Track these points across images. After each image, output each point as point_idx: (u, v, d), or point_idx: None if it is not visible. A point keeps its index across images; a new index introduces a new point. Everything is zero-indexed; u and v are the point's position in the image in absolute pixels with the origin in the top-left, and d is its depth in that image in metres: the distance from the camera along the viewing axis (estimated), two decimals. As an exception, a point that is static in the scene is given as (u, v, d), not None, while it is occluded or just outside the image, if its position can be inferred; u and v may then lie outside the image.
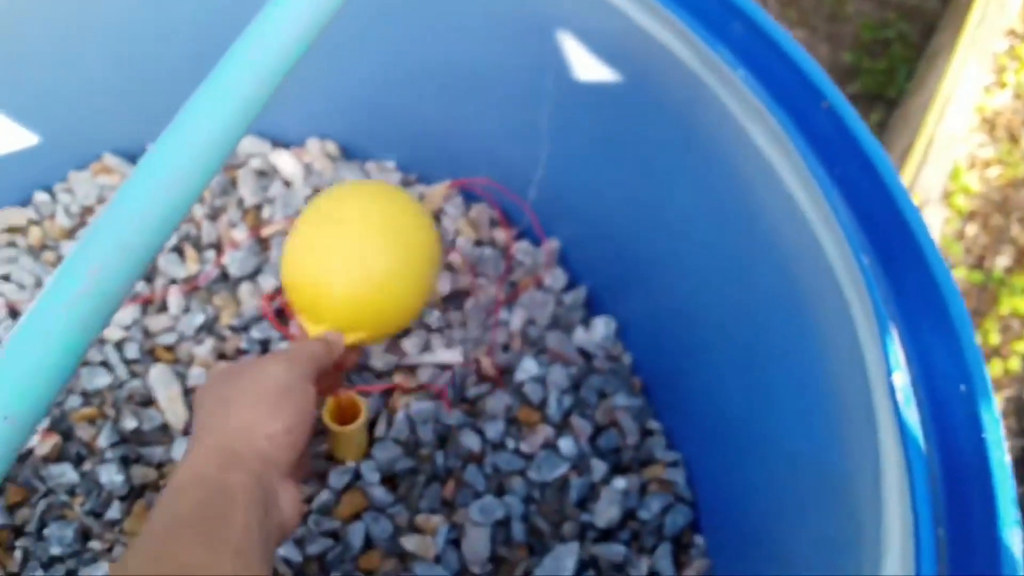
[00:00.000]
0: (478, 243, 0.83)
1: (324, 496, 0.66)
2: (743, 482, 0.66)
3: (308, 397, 0.46)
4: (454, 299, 0.80)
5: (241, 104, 0.32)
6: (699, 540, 0.70)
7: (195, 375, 0.71)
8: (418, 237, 0.56)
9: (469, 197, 0.85)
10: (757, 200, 0.51)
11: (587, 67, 0.62)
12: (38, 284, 0.74)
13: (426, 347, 0.76)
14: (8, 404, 0.30)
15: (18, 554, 0.62)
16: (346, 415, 0.66)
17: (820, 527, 0.52)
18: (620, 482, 0.71)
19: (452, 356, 0.75)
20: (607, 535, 0.69)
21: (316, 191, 0.84)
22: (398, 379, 0.74)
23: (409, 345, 0.76)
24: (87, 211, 0.80)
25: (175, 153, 0.34)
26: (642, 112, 0.61)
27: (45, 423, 0.66)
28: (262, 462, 0.42)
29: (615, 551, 0.67)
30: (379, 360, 0.74)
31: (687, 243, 0.66)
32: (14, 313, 0.72)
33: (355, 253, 0.53)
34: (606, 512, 0.69)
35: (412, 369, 0.75)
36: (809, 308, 0.51)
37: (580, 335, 0.80)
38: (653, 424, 0.76)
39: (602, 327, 0.79)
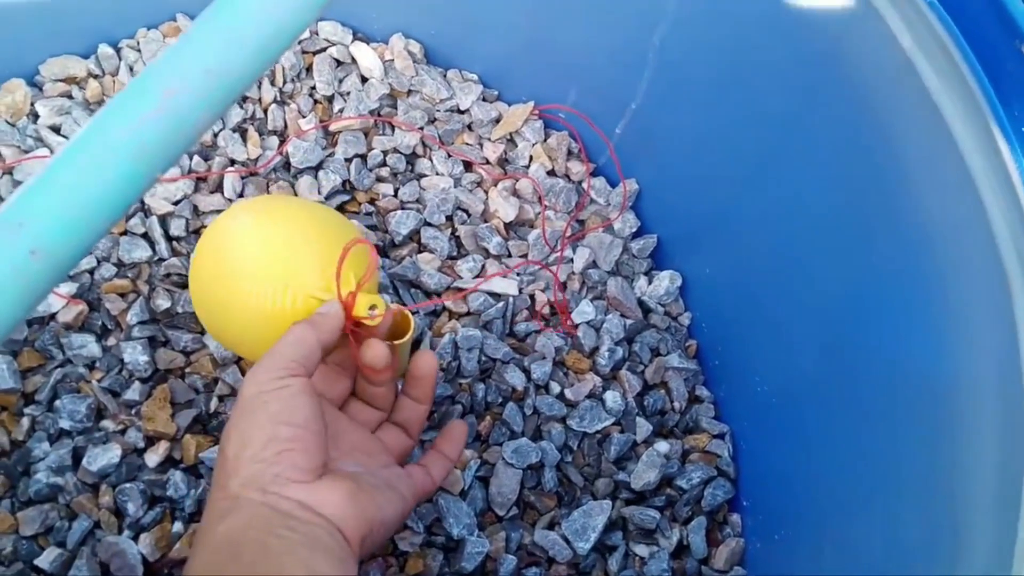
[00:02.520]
0: (551, 173, 0.78)
1: (355, 409, 0.63)
2: (798, 469, 0.62)
3: (291, 392, 0.41)
4: (518, 227, 0.76)
5: None
6: (735, 519, 0.67)
7: (239, 263, 0.67)
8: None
9: (549, 124, 0.80)
10: (906, 159, 0.45)
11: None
12: (90, 142, 0.70)
13: (481, 272, 0.72)
14: (39, 235, 0.25)
15: (25, 422, 0.59)
16: (392, 329, 0.62)
17: (895, 531, 0.48)
18: (663, 446, 0.67)
19: (507, 286, 0.71)
20: (641, 498, 0.66)
21: (392, 91, 0.78)
22: (447, 302, 0.70)
23: (464, 268, 0.71)
24: (150, 74, 0.76)
25: None
26: (774, 42, 0.54)
27: (72, 288, 0.63)
28: (260, 490, 0.39)
29: (648, 516, 0.63)
30: (431, 279, 0.70)
31: (788, 203, 0.60)
32: (62, 168, 0.69)
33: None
34: (644, 474, 0.65)
35: (464, 293, 0.71)
36: (942, 298, 0.45)
37: (642, 286, 0.75)
38: (703, 392, 0.72)
39: (667, 281, 0.74)
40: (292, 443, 0.40)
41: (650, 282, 0.75)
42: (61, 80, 0.73)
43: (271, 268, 0.47)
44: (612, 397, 0.68)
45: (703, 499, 0.66)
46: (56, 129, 0.70)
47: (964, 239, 0.43)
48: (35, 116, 0.71)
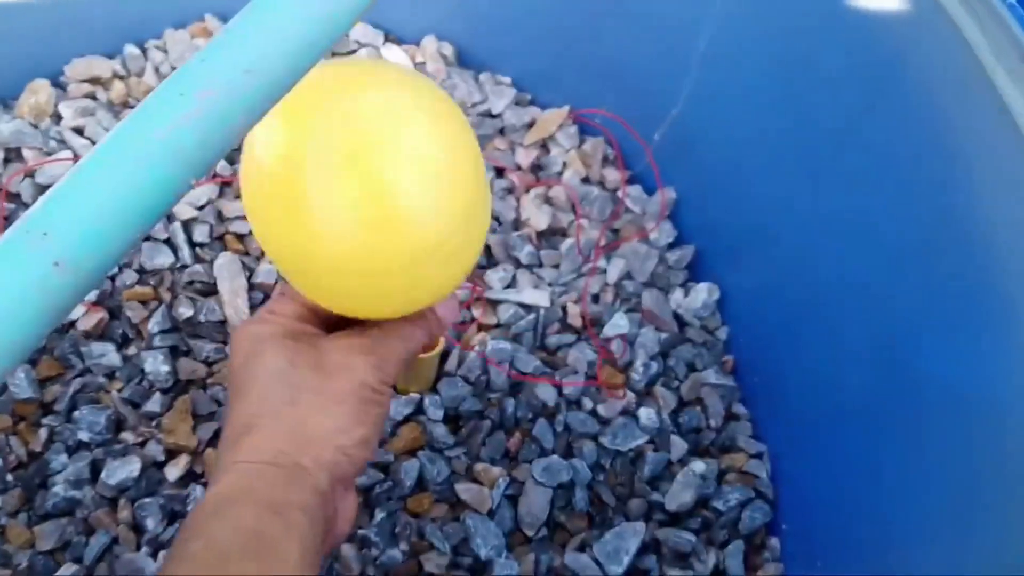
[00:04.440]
0: (586, 180, 0.76)
1: (381, 424, 0.61)
2: (842, 493, 0.59)
3: (389, 401, 0.38)
4: (550, 236, 0.73)
5: None
6: (774, 543, 0.64)
7: (264, 271, 0.66)
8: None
9: (584, 129, 0.77)
10: (975, 172, 0.42)
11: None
12: (114, 144, 0.69)
13: (512, 283, 0.70)
14: (65, 245, 0.22)
15: (43, 432, 0.58)
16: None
17: (961, 568, 0.45)
18: (699, 465, 0.64)
19: (538, 297, 0.69)
20: (676, 520, 0.63)
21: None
22: (477, 313, 0.68)
23: (495, 279, 0.69)
24: (177, 74, 0.75)
25: None
26: (831, 45, 0.51)
27: (91, 295, 0.61)
28: (330, 479, 0.34)
29: (683, 539, 0.61)
30: (460, 290, 0.68)
31: (839, 217, 0.57)
32: (86, 171, 0.68)
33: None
34: (679, 495, 0.62)
35: (493, 305, 0.68)
36: (1009, 320, 0.42)
37: (678, 298, 0.72)
38: (740, 409, 0.69)
39: (704, 294, 0.72)
40: (373, 452, 0.37)
41: (686, 294, 0.73)
42: (86, 81, 0.72)
43: (458, 207, 0.34)
44: (646, 414, 0.65)
45: (740, 522, 0.63)
46: (79, 131, 0.69)
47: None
48: (58, 117, 0.70)
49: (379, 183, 0.31)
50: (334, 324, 0.38)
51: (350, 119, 0.31)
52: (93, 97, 0.72)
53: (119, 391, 0.60)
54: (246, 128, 0.26)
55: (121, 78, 0.73)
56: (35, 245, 0.22)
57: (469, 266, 0.37)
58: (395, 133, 0.31)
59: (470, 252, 0.37)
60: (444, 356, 0.65)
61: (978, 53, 0.38)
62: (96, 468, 0.57)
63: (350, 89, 0.32)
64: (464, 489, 0.60)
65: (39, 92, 0.69)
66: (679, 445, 0.65)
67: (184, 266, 0.65)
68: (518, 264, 0.71)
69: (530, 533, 0.60)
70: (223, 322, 0.64)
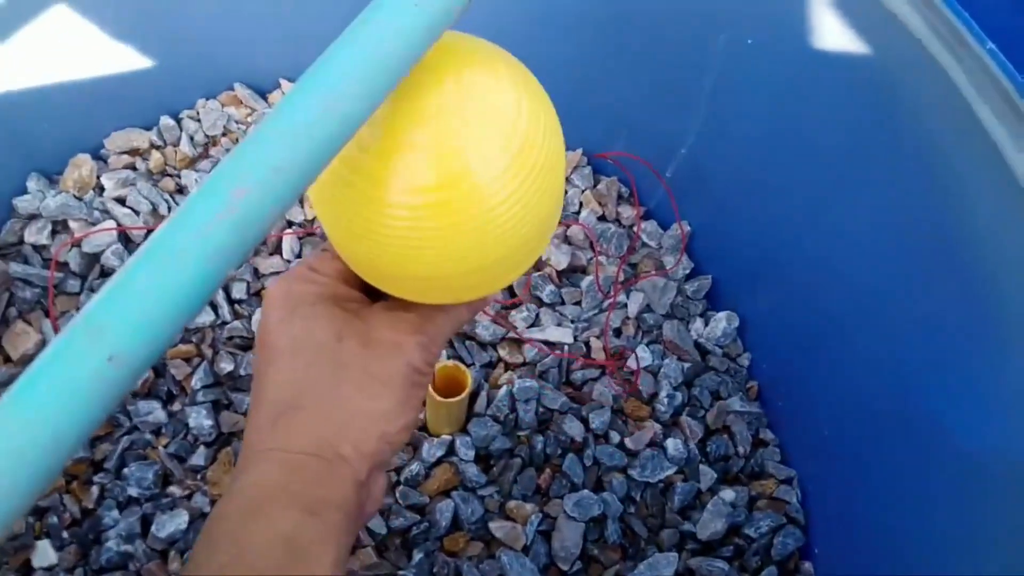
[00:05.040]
0: (602, 218, 0.78)
1: (414, 467, 0.63)
2: (871, 516, 0.60)
3: (429, 383, 0.36)
4: (570, 274, 0.76)
5: (429, 15, 0.27)
6: (807, 567, 0.64)
7: (298, 323, 0.69)
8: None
9: (598, 168, 0.80)
10: (966, 204, 0.44)
11: (772, 26, 0.54)
12: (154, 211, 0.73)
13: (535, 322, 0.72)
14: (118, 341, 0.25)
15: (95, 490, 0.61)
16: (448, 384, 0.62)
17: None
18: (728, 493, 0.66)
19: (562, 335, 0.71)
20: (708, 548, 0.64)
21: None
22: (503, 353, 0.70)
23: (519, 318, 0.71)
24: (212, 141, 0.79)
25: (346, 66, 0.29)
26: (827, 85, 0.53)
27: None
28: (370, 467, 0.32)
29: (716, 567, 0.62)
30: (486, 331, 0.70)
31: (846, 243, 0.59)
32: (126, 239, 0.71)
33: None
34: (710, 524, 0.64)
35: (518, 344, 0.71)
36: (1015, 340, 0.44)
37: (699, 328, 0.74)
38: (767, 435, 0.70)
39: (724, 322, 0.73)
40: (409, 436, 0.35)
41: (706, 324, 0.74)
42: (125, 152, 0.76)
43: (552, 202, 0.31)
44: (673, 444, 0.67)
45: (773, 548, 0.64)
46: (121, 201, 0.73)
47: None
48: (101, 189, 0.74)
49: (462, 178, 0.28)
50: (371, 285, 0.34)
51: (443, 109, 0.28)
52: (133, 168, 0.76)
53: (165, 446, 0.63)
54: (277, 218, 0.29)
55: (158, 148, 0.77)
56: (92, 341, 0.25)
57: (536, 259, 0.35)
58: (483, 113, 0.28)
59: (543, 247, 0.34)
60: (473, 397, 0.67)
61: (963, 92, 0.40)
62: (146, 522, 0.60)
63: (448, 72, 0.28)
64: (498, 527, 0.62)
65: (82, 166, 0.73)
66: (708, 474, 0.66)
67: (224, 323, 0.69)
68: (541, 303, 0.73)
69: (564, 567, 0.62)
70: (261, 375, 0.67)
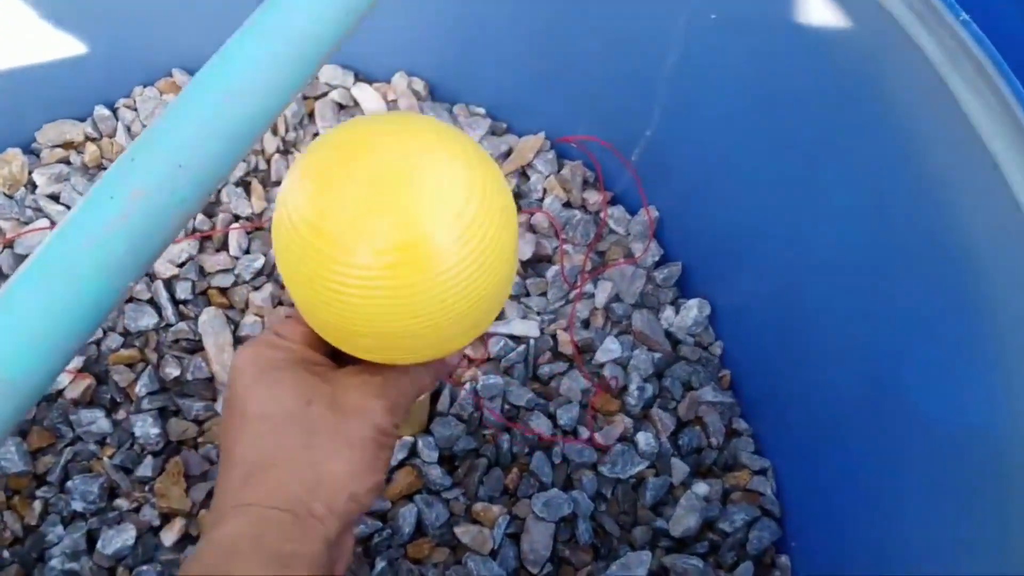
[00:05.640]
0: (567, 205, 0.75)
1: (376, 471, 0.60)
2: (848, 507, 0.58)
3: (395, 444, 0.38)
4: (535, 264, 0.73)
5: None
6: (784, 561, 0.63)
7: (249, 324, 0.65)
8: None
9: (562, 153, 0.77)
10: (945, 181, 0.42)
11: (734, 4, 0.52)
12: (91, 207, 0.69)
13: (500, 315, 0.69)
14: (4, 365, 0.22)
15: (37, 505, 0.57)
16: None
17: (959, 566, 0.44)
18: (702, 487, 0.63)
19: (527, 328, 0.68)
20: (682, 545, 0.62)
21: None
22: (466, 348, 0.67)
23: (481, 312, 0.69)
24: (149, 132, 0.75)
25: (252, 55, 0.26)
26: (798, 63, 0.51)
27: (78, 362, 0.61)
28: (340, 526, 0.32)
29: (691, 564, 0.60)
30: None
31: (820, 227, 0.56)
32: (64, 237, 0.67)
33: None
34: (684, 519, 0.62)
35: (482, 338, 0.68)
36: (990, 334, 0.42)
37: (669, 317, 0.72)
38: (741, 424, 0.68)
39: (695, 310, 0.71)
40: (375, 499, 0.37)
41: (677, 312, 0.72)
42: (58, 146, 0.72)
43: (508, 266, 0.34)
44: (644, 439, 0.65)
45: (748, 542, 0.62)
46: (55, 197, 0.69)
47: (1012, 266, 0.40)
48: (33, 186, 0.69)
49: (414, 241, 0.29)
50: (336, 349, 0.35)
51: (375, 173, 0.29)
52: (67, 162, 0.71)
53: (110, 457, 0.59)
54: (183, 222, 0.26)
55: (94, 140, 0.73)
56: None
57: (492, 319, 0.36)
58: (421, 175, 0.30)
59: (499, 307, 0.36)
60: (435, 395, 0.64)
61: (937, 67, 0.37)
62: (92, 538, 0.57)
63: (377, 141, 0.30)
64: (464, 531, 0.59)
65: (12, 161, 0.68)
66: (680, 468, 0.64)
67: (168, 325, 0.65)
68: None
69: (535, 571, 0.59)
70: (211, 379, 0.63)
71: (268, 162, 0.73)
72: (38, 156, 0.71)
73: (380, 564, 0.57)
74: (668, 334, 0.71)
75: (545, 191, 0.75)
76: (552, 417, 0.65)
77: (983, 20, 0.36)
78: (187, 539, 0.58)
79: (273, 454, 0.32)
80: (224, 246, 0.69)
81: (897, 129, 0.44)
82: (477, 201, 0.30)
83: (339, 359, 0.36)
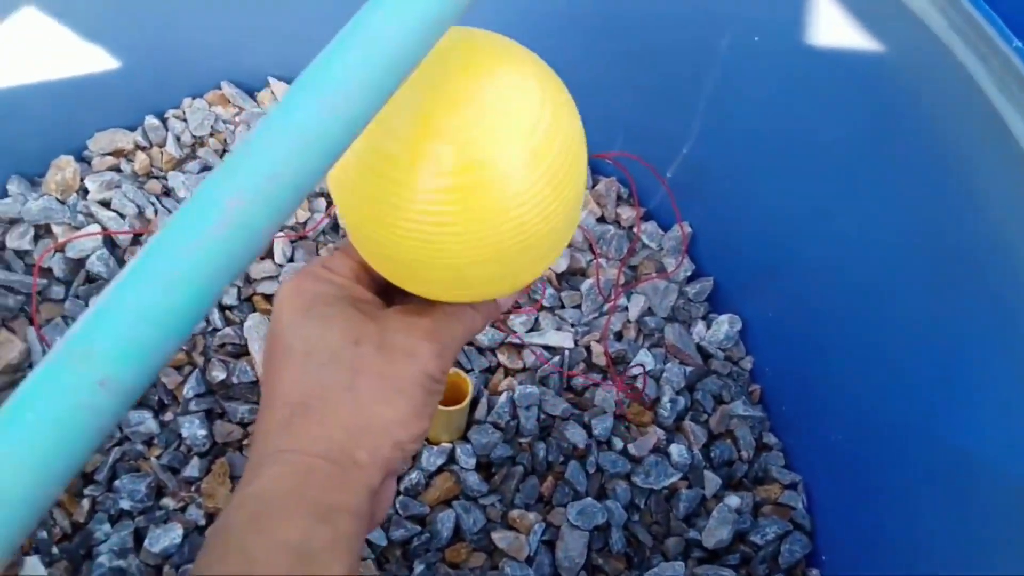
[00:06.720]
0: (601, 220, 0.76)
1: (414, 476, 0.62)
2: (880, 523, 0.59)
3: (443, 390, 0.34)
4: (569, 277, 0.74)
5: (437, 5, 0.25)
6: (815, 574, 0.63)
7: (291, 329, 0.67)
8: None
9: (596, 168, 0.78)
10: (988, 206, 0.43)
11: (779, 23, 0.52)
12: (139, 214, 0.70)
13: (535, 326, 0.70)
14: (108, 364, 0.23)
15: (85, 503, 0.59)
16: (448, 392, 0.61)
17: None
18: (733, 500, 0.64)
19: (562, 339, 0.69)
20: (714, 557, 0.63)
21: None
22: (503, 358, 0.68)
23: (518, 323, 0.70)
24: (199, 142, 0.76)
25: (346, 66, 0.27)
26: (838, 84, 0.52)
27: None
28: (382, 474, 0.31)
29: (722, 576, 0.61)
30: (484, 335, 0.68)
31: (852, 245, 0.57)
32: (112, 244, 0.69)
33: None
34: (716, 531, 0.62)
35: (518, 349, 0.69)
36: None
37: (700, 331, 0.73)
38: (771, 438, 0.69)
39: (726, 325, 0.72)
40: (420, 446, 0.35)
41: (708, 327, 0.73)
42: (109, 154, 0.73)
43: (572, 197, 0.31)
44: (677, 450, 0.65)
45: (780, 555, 0.63)
46: (106, 204, 0.70)
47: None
48: (84, 192, 0.71)
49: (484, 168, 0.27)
50: (387, 286, 0.34)
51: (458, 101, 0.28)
52: (117, 169, 0.73)
53: (158, 457, 0.61)
54: (275, 229, 0.27)
55: (143, 149, 0.75)
56: (79, 365, 0.23)
57: (555, 258, 0.34)
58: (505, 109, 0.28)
59: (570, 235, 0.33)
60: (474, 403, 0.66)
61: (984, 89, 0.38)
62: (139, 536, 0.58)
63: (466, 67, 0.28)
64: (500, 537, 0.60)
65: (64, 168, 0.70)
66: (712, 480, 0.65)
67: (215, 330, 0.66)
68: (540, 307, 0.72)
69: (568, 578, 0.60)
70: (256, 383, 0.65)
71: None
72: (89, 163, 0.73)
73: (419, 568, 0.58)
74: (699, 348, 0.72)
75: (580, 205, 0.76)
76: (587, 427, 0.66)
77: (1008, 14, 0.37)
78: (231, 539, 0.59)
79: (317, 395, 0.30)
80: (269, 254, 0.70)
81: (939, 149, 0.45)
82: (544, 130, 0.28)
83: (388, 297, 0.34)
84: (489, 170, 0.27)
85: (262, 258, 0.70)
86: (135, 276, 0.25)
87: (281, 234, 0.71)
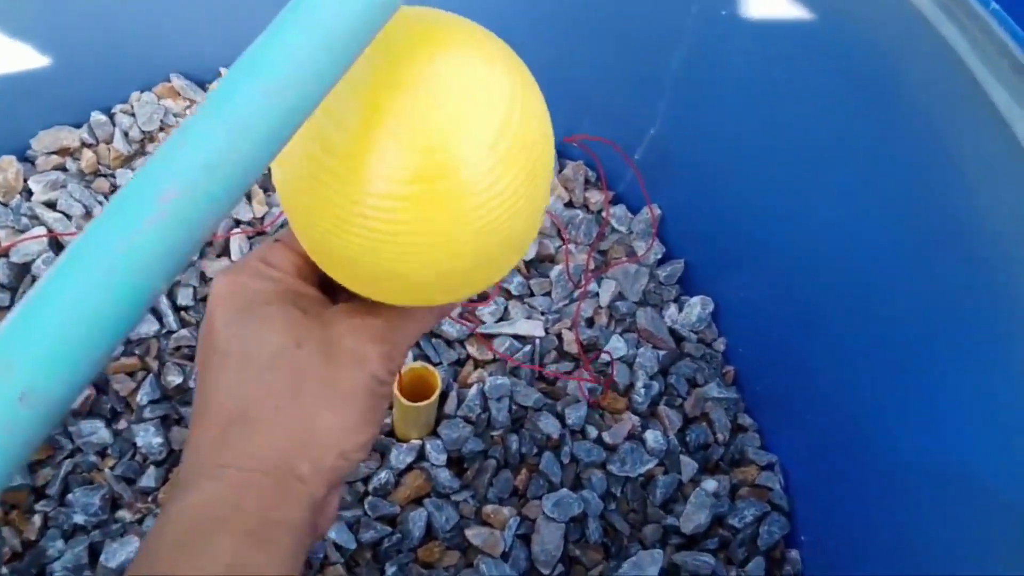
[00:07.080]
0: (569, 204, 0.75)
1: (383, 476, 0.60)
2: (859, 499, 0.58)
3: (391, 393, 0.34)
4: (539, 264, 0.72)
5: None
6: (794, 555, 0.63)
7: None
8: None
9: (563, 152, 0.77)
10: (969, 175, 0.41)
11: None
12: (87, 215, 0.68)
13: (504, 316, 0.69)
14: (29, 377, 0.21)
15: (37, 519, 0.56)
16: (415, 387, 0.59)
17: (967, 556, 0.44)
18: (710, 483, 0.63)
19: (532, 328, 0.68)
20: (692, 542, 0.62)
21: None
22: (472, 349, 0.67)
23: (486, 313, 0.68)
24: (149, 137, 0.73)
25: (286, 48, 0.25)
26: (810, 59, 0.51)
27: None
28: (327, 486, 0.29)
29: (702, 561, 0.60)
30: (452, 327, 0.67)
31: (825, 224, 0.56)
32: (58, 246, 0.66)
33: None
34: (694, 516, 0.61)
35: (488, 339, 0.67)
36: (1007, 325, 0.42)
37: (672, 314, 0.71)
38: (746, 419, 0.68)
39: (698, 307, 0.71)
40: (367, 455, 0.31)
41: (680, 309, 0.72)
42: (54, 152, 0.70)
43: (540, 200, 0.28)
44: (653, 436, 0.64)
45: (759, 537, 0.62)
46: (51, 204, 0.67)
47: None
48: (28, 193, 0.68)
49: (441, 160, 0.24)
50: (332, 281, 0.30)
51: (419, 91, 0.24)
52: (63, 169, 0.70)
53: (112, 468, 0.58)
54: (216, 222, 0.25)
55: (90, 146, 0.72)
56: (-3, 378, 0.21)
57: (521, 257, 0.31)
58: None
59: (520, 256, 0.31)
60: (443, 398, 0.64)
61: (964, 58, 0.37)
62: (95, 551, 0.56)
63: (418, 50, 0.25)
64: (475, 534, 0.59)
65: (7, 169, 0.67)
66: (689, 465, 0.64)
67: (170, 332, 0.64)
68: (509, 295, 0.70)
69: (546, 572, 0.59)
70: (214, 385, 0.63)
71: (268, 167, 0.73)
72: (33, 163, 0.70)
73: (391, 570, 0.57)
74: (672, 331, 0.71)
75: (546, 191, 0.75)
76: (561, 417, 0.64)
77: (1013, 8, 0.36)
78: (195, 548, 0.57)
79: (256, 403, 0.28)
80: (225, 251, 0.68)
81: (916, 122, 0.44)
82: (514, 128, 0.25)
83: (333, 293, 0.31)
84: (448, 178, 0.24)
85: (218, 255, 0.68)
86: (60, 277, 0.23)
87: (238, 230, 0.68)
